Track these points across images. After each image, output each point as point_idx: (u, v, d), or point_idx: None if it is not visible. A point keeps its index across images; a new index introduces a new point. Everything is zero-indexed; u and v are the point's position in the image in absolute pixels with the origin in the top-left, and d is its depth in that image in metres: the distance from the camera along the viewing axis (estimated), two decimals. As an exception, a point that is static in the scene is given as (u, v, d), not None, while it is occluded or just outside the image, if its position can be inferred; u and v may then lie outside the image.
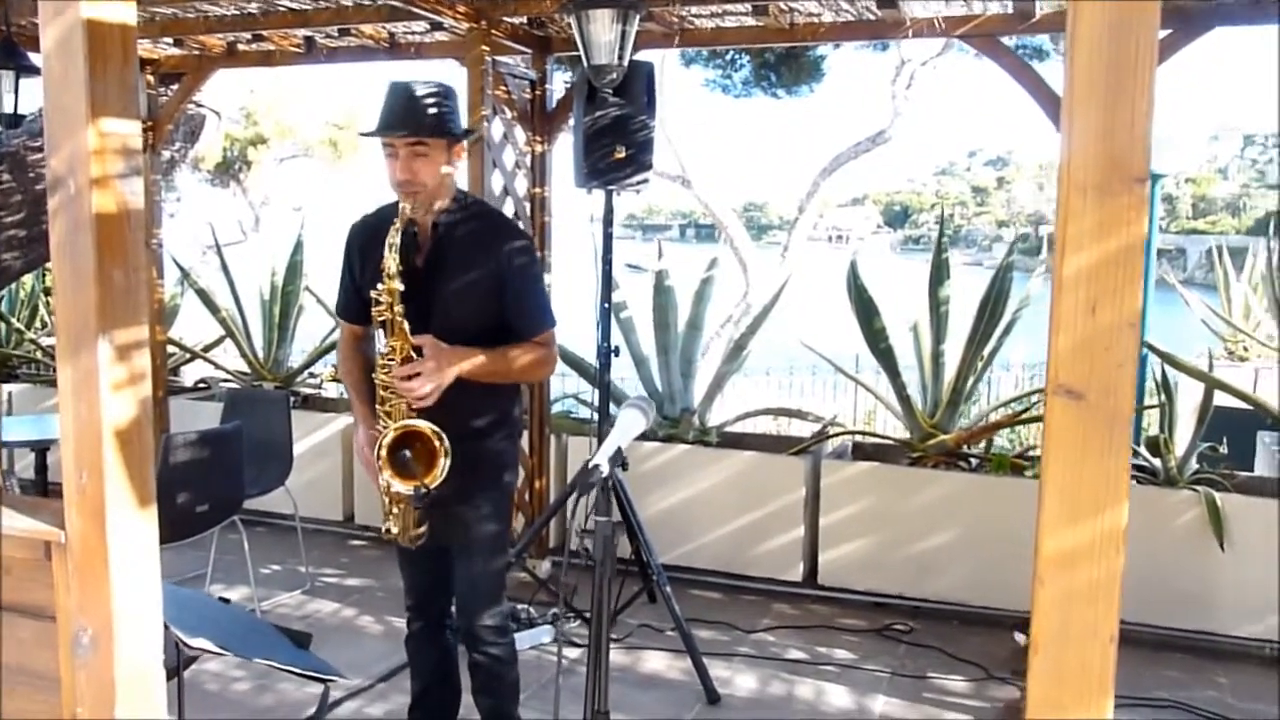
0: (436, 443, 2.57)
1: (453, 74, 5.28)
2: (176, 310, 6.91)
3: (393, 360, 2.62)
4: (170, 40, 5.15)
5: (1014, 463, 4.67)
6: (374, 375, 2.71)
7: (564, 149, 5.01)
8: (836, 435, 5.19)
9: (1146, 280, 7.20)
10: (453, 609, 3.06)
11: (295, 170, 17.50)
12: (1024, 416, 4.78)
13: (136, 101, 1.38)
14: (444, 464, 2.56)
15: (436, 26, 4.64)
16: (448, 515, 2.80)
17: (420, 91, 2.59)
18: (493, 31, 4.29)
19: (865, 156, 12.90)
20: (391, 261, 2.57)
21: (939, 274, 4.79)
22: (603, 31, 3.35)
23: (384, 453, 2.58)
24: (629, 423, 1.89)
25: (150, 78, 5.38)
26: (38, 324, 7.13)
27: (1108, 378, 1.03)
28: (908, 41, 11.17)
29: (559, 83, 5.16)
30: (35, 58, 4.56)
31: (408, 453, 2.53)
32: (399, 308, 2.59)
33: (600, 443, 4.33)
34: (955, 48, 11.80)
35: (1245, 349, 7.71)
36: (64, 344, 1.39)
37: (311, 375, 6.11)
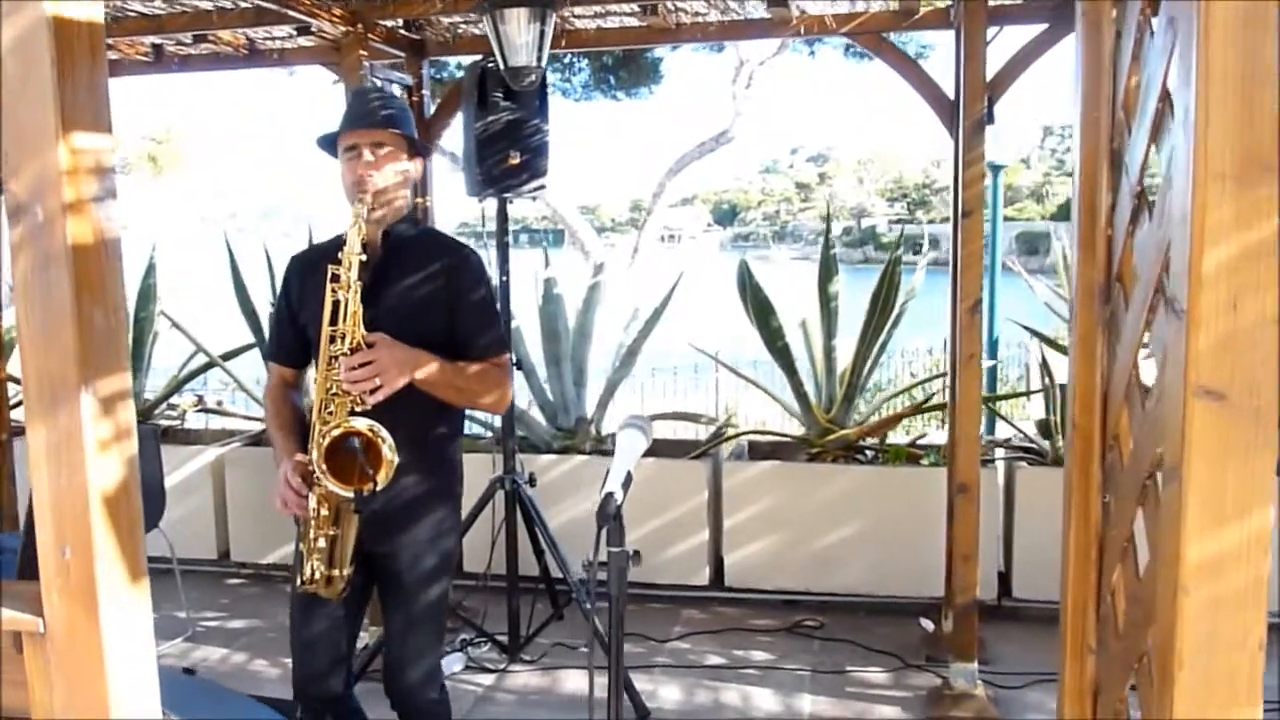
0: (380, 442, 2.34)
1: (320, 81, 5.00)
2: (12, 344, 6.30)
3: (342, 354, 2.39)
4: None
5: (910, 452, 4.76)
6: (316, 378, 2.47)
7: (437, 158, 4.82)
8: (734, 436, 5.18)
9: (993, 265, 7.50)
10: (352, 678, 2.75)
11: (111, 187, 16.48)
12: (926, 406, 4.87)
13: (108, 111, 1.17)
14: (392, 460, 2.34)
15: (303, 31, 4.36)
16: (391, 534, 2.56)
17: (381, 96, 2.71)
18: (369, 35, 4.07)
19: (706, 156, 13.10)
20: (356, 240, 2.40)
21: (827, 270, 4.83)
22: (519, 32, 3.21)
23: (321, 457, 2.34)
24: (632, 443, 1.79)
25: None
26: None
27: (1251, 376, 0.99)
28: (746, 42, 11.36)
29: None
30: None
31: (356, 440, 2.30)
32: (357, 285, 2.39)
33: (508, 459, 4.20)
34: (790, 47, 12.04)
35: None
36: (37, 399, 1.15)
37: (171, 407, 5.68)
